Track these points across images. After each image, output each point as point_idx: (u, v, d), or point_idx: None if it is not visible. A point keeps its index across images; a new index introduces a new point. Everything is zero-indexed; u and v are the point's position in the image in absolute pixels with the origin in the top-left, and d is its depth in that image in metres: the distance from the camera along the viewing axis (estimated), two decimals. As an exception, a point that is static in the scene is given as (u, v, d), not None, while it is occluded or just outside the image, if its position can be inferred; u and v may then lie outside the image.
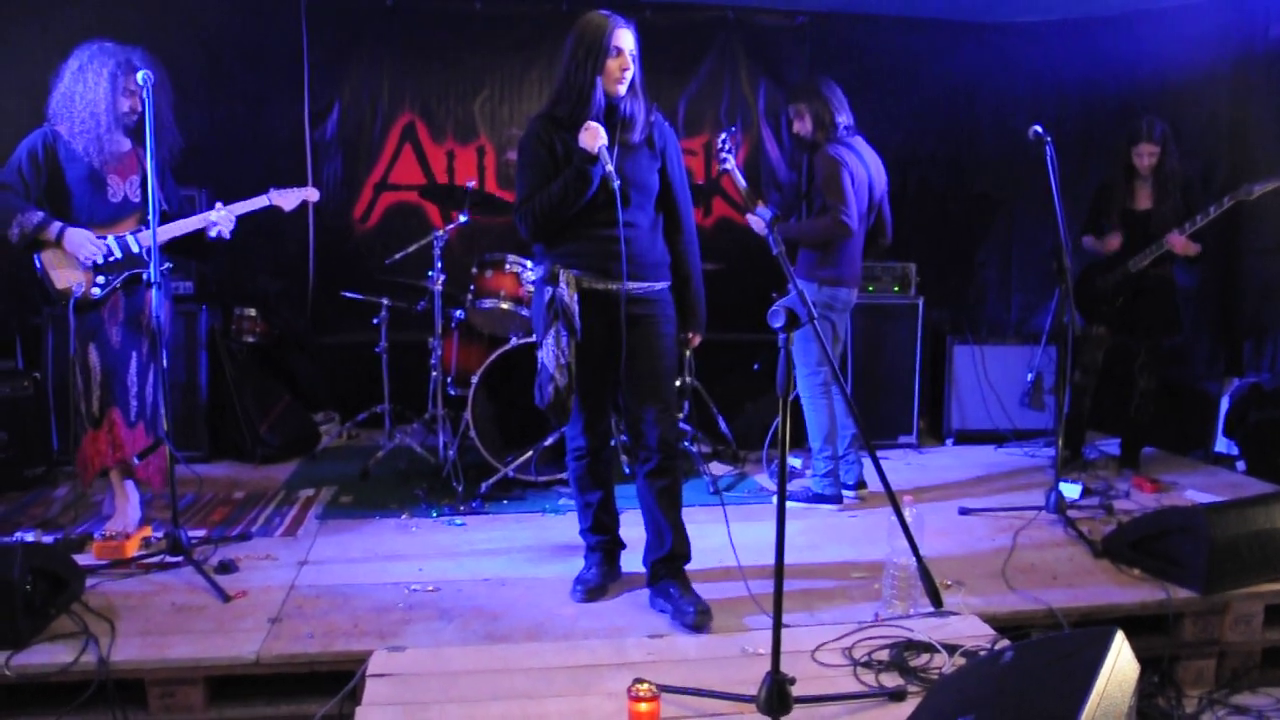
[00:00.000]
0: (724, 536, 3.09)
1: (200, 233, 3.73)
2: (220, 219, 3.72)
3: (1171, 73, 5.56)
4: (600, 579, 3.29)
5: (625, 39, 3.00)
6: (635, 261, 3.05)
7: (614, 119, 3.06)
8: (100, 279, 3.60)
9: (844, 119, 4.18)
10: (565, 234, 3.07)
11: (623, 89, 3.03)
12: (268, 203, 3.90)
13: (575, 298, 3.02)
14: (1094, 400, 5.02)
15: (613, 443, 3.40)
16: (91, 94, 3.49)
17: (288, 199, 3.96)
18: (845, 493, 4.34)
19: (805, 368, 4.23)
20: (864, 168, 4.17)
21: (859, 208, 4.12)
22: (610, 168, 2.92)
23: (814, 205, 4.31)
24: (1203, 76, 5.43)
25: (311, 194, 4.10)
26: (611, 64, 2.99)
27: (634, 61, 3.04)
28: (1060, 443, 4.06)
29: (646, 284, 3.11)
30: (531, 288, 4.56)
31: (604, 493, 3.32)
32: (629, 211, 3.02)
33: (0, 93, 5.02)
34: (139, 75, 3.29)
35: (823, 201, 4.12)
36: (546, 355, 3.04)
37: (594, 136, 2.94)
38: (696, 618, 2.97)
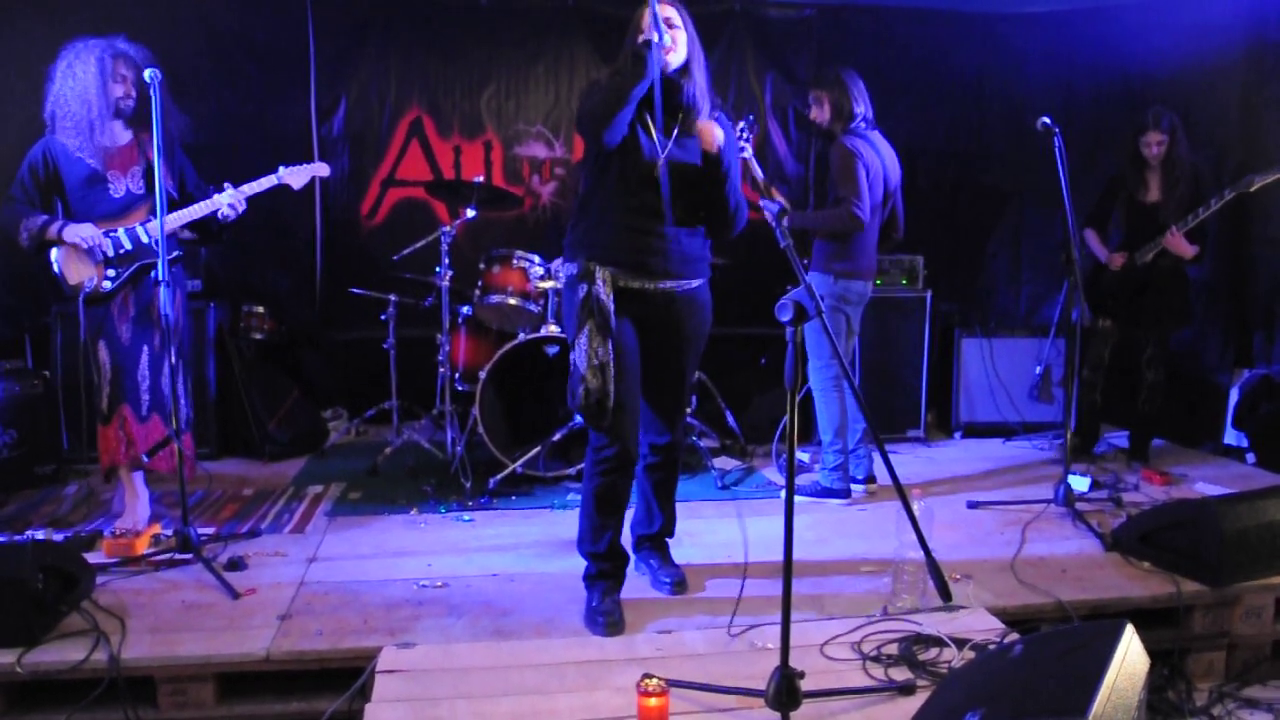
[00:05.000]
0: (732, 531, 3.09)
1: (210, 216, 3.75)
2: (228, 200, 3.73)
3: (1182, 62, 5.51)
4: (618, 609, 3.00)
5: (663, 9, 2.82)
6: (676, 258, 2.97)
7: (675, 101, 2.91)
8: (110, 272, 3.63)
9: (862, 110, 4.16)
10: (601, 227, 2.95)
11: (674, 58, 2.85)
12: (277, 181, 3.91)
13: (612, 296, 2.88)
14: (1103, 394, 5.01)
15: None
16: (81, 84, 3.52)
17: (297, 176, 3.97)
18: (854, 487, 4.33)
19: (818, 360, 4.21)
20: (879, 160, 4.16)
21: (872, 200, 4.10)
22: (653, 141, 2.87)
23: (826, 196, 4.29)
24: (1214, 66, 5.38)
25: (321, 169, 4.11)
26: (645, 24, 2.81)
27: (680, 28, 2.87)
28: (1068, 435, 4.04)
29: (685, 281, 3.02)
30: (538, 283, 4.56)
31: (621, 516, 3.11)
32: (674, 205, 2.92)
33: (8, 90, 5.03)
34: (146, 74, 3.30)
35: (836, 193, 4.11)
36: (579, 356, 2.87)
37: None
38: (674, 588, 3.22)
